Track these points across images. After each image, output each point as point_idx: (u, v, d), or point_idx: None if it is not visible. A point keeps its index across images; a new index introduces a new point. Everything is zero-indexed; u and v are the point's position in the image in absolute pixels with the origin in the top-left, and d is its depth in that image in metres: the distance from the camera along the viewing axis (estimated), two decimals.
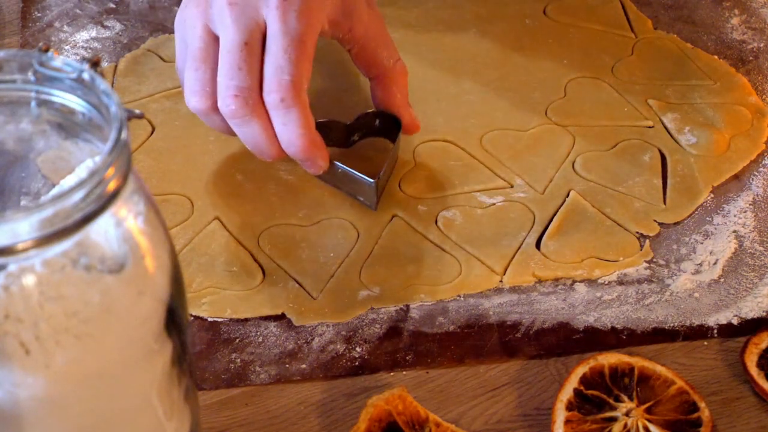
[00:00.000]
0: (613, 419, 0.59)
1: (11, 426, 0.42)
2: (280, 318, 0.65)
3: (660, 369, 0.61)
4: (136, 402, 0.45)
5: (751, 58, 0.84)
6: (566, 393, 0.60)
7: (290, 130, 0.67)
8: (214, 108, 0.68)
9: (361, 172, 0.70)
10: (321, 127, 0.69)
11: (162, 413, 0.46)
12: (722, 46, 0.85)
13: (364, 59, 0.73)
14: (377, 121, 0.74)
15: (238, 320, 0.65)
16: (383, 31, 0.73)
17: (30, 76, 0.43)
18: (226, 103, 0.66)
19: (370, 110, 0.75)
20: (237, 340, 0.64)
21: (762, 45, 0.85)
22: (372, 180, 0.69)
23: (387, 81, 0.73)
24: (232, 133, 0.69)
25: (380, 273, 0.68)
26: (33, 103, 0.43)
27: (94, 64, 0.43)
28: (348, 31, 0.71)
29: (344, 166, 0.70)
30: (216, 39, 0.68)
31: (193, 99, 0.68)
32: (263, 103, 0.67)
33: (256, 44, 0.67)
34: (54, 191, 0.42)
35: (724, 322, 0.65)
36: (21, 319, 0.40)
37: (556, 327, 0.65)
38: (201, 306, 0.65)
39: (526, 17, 0.87)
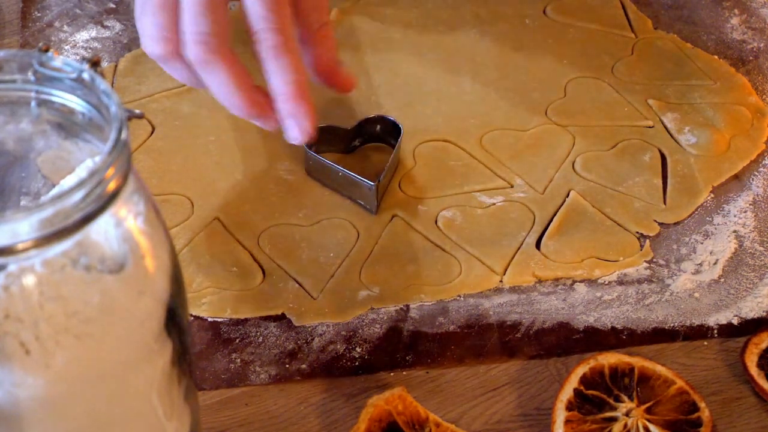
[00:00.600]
0: (613, 419, 0.59)
1: (11, 426, 0.42)
2: (280, 318, 0.65)
3: (660, 369, 0.61)
4: (136, 402, 0.45)
5: (751, 58, 0.84)
6: (566, 393, 0.60)
7: (279, 75, 0.64)
8: (174, 54, 0.65)
9: (361, 176, 0.70)
10: (322, 132, 0.69)
11: (162, 413, 0.46)
12: (722, 46, 0.85)
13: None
14: (378, 127, 0.74)
15: (238, 320, 0.65)
16: None
17: (30, 76, 0.43)
18: (191, 49, 0.63)
19: (371, 116, 0.75)
20: (237, 340, 0.64)
21: (762, 45, 0.85)
22: (372, 183, 0.69)
23: (314, 42, 0.69)
24: (197, 84, 0.66)
25: (380, 273, 0.68)
26: (33, 103, 0.43)
27: (94, 64, 0.43)
28: None
29: (345, 170, 0.70)
30: None
31: (151, 44, 0.65)
32: (230, 50, 0.64)
33: None
34: (54, 191, 0.42)
35: (724, 322, 0.65)
36: (21, 319, 0.39)
37: (556, 327, 0.65)
38: (201, 306, 0.65)
39: (525, 17, 0.87)
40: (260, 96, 0.65)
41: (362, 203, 0.71)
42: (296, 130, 0.64)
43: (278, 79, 0.64)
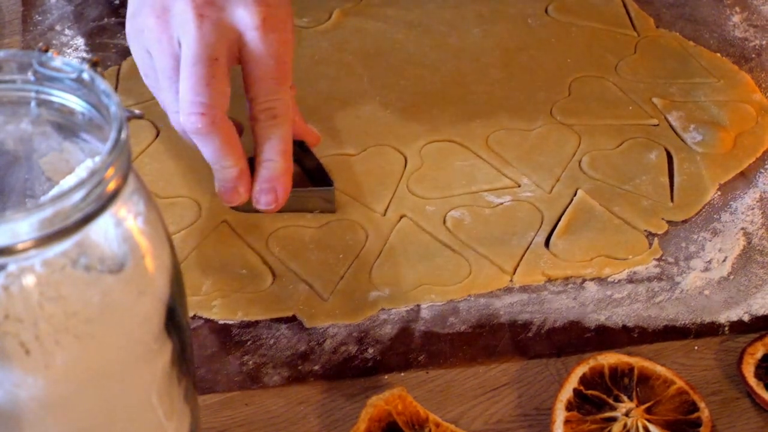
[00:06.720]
0: (613, 419, 0.59)
1: (11, 426, 0.42)
2: (292, 320, 0.65)
3: (660, 369, 0.61)
4: (136, 402, 0.45)
5: (753, 55, 0.84)
6: (566, 393, 0.60)
7: (273, 144, 0.67)
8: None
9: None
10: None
11: (162, 413, 0.46)
12: (724, 43, 0.85)
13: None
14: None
15: (249, 323, 0.65)
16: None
17: (30, 76, 0.43)
18: (191, 120, 0.64)
19: None
20: (249, 343, 0.63)
21: (764, 42, 0.85)
22: (331, 185, 0.70)
23: None
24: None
25: (390, 274, 0.68)
26: (33, 103, 0.44)
27: (94, 64, 0.43)
28: None
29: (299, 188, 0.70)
30: None
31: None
32: (227, 119, 0.65)
33: (224, 59, 0.65)
34: (54, 191, 0.42)
35: (735, 319, 0.65)
36: (21, 319, 0.40)
37: (568, 326, 0.65)
38: (212, 309, 0.65)
39: (528, 17, 0.87)
40: (245, 166, 0.67)
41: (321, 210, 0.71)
42: (271, 198, 0.67)
43: (272, 148, 0.66)
